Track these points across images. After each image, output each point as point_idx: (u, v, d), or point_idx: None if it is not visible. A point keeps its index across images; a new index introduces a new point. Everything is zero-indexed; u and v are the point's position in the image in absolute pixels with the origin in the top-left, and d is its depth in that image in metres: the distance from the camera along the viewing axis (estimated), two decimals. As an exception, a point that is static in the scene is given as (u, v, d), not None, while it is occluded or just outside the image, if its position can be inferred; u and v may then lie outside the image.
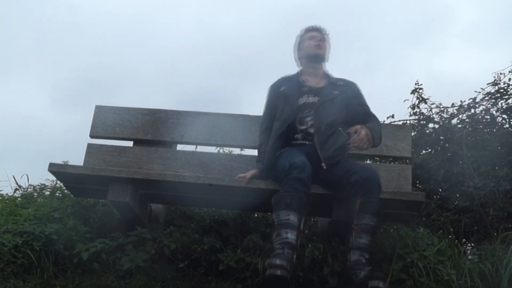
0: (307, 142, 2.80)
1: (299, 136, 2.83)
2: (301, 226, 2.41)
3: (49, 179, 3.92)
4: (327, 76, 3.04)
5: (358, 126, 2.67)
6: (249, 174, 2.74)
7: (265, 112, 3.04)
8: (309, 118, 2.84)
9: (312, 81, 2.99)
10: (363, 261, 2.41)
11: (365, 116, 2.88)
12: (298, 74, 3.06)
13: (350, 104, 2.89)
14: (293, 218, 2.36)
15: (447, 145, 4.58)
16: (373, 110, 2.93)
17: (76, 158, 3.51)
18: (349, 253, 2.46)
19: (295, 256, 2.35)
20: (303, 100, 2.89)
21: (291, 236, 2.34)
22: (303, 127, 2.84)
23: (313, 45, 3.01)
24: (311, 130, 2.80)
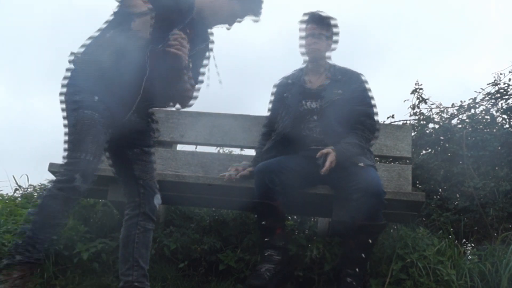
0: (317, 147, 2.66)
1: (308, 141, 2.72)
2: (284, 224, 2.61)
3: (49, 179, 3.91)
4: (330, 69, 2.86)
5: (324, 151, 2.55)
6: (243, 170, 2.72)
7: (268, 119, 2.95)
8: (314, 124, 2.74)
9: (314, 80, 2.85)
10: (357, 270, 2.45)
11: (356, 121, 2.71)
12: (302, 71, 2.91)
13: (352, 101, 2.73)
14: (269, 223, 2.53)
15: (447, 145, 4.57)
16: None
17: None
18: (344, 259, 2.51)
19: (279, 264, 2.51)
20: (304, 105, 2.78)
21: (273, 253, 2.50)
22: (309, 133, 2.74)
23: (308, 48, 2.82)
24: (319, 137, 2.72)
